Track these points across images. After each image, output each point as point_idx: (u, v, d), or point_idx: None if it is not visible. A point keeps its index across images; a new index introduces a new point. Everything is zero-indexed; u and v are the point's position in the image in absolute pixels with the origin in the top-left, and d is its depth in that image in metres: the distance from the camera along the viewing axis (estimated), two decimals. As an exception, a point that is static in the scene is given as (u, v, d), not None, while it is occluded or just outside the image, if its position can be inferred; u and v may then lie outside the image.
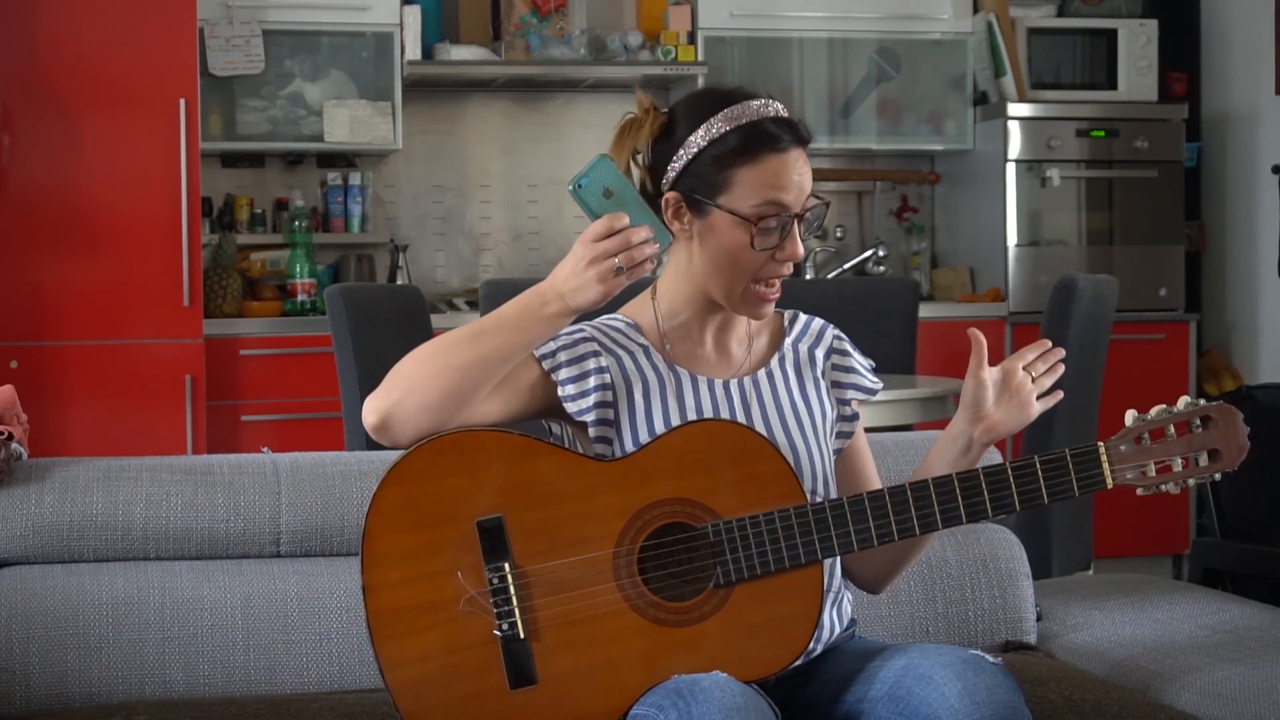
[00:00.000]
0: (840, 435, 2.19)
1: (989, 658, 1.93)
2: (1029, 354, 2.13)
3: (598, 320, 2.13)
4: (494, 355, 1.94)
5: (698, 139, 2.03)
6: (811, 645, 2.06)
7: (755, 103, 2.05)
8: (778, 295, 2.09)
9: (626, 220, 1.91)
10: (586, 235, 1.91)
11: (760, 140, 2.02)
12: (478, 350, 1.94)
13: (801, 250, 2.06)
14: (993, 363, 2.11)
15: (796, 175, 2.04)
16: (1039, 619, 2.66)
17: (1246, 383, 5.89)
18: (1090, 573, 4.18)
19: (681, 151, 2.04)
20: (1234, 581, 3.81)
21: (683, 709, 1.82)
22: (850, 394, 2.19)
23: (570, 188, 1.92)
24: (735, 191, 2.02)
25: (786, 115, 2.06)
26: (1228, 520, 3.87)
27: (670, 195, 2.06)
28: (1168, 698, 2.34)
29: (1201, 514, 5.87)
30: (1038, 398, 2.11)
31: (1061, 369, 2.14)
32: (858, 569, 2.22)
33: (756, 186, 2.02)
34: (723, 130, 2.02)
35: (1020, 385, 2.10)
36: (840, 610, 2.15)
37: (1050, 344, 2.14)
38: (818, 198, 2.08)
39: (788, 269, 2.07)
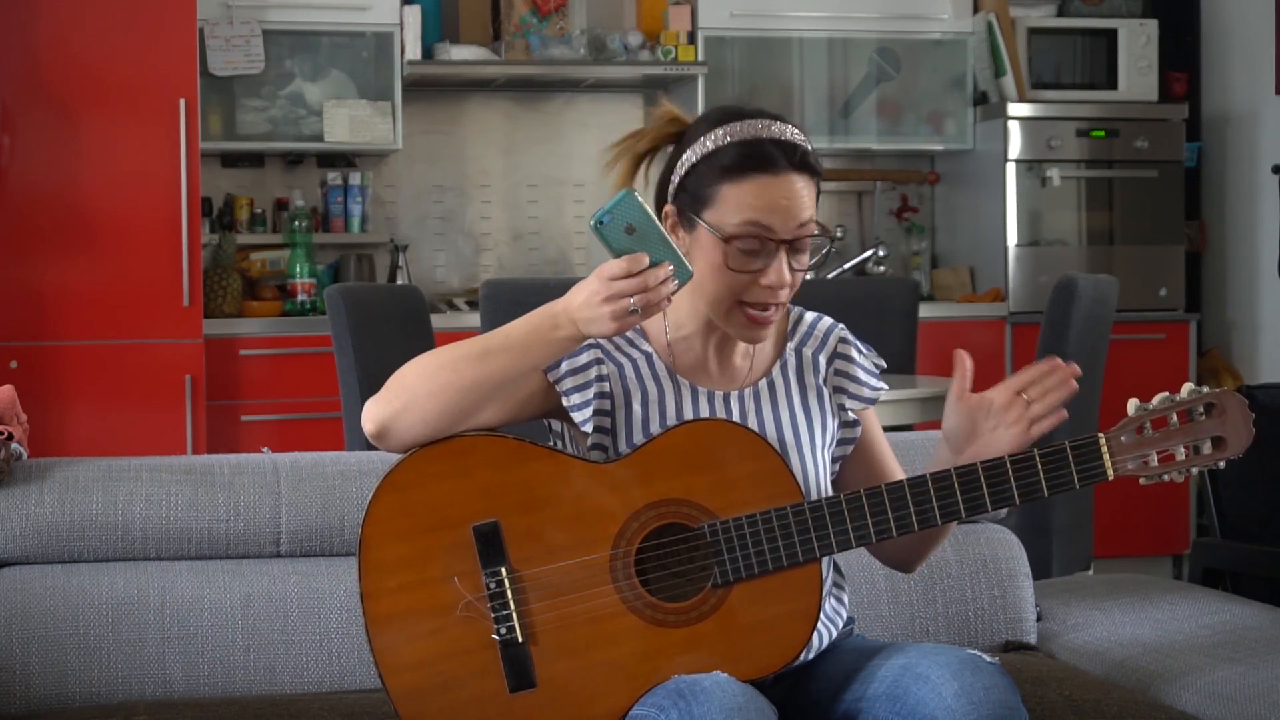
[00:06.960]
0: (842, 443, 2.16)
1: (986, 657, 1.93)
2: (1029, 375, 2.03)
3: None
4: (498, 376, 1.93)
5: (697, 150, 2.01)
6: (810, 644, 2.06)
7: (762, 121, 2.01)
8: (770, 321, 2.02)
9: (646, 261, 1.85)
10: (604, 271, 1.86)
11: (754, 159, 1.98)
12: (483, 370, 1.92)
13: (787, 277, 1.99)
14: (983, 385, 2.03)
15: (786, 200, 1.98)
16: (1039, 619, 2.66)
17: (1246, 383, 5.89)
18: (1090, 573, 4.18)
19: (682, 161, 2.03)
20: (1234, 581, 3.80)
21: (684, 709, 1.82)
22: (849, 403, 2.14)
23: (591, 223, 1.87)
24: (719, 208, 1.99)
25: (796, 142, 2.00)
26: (1228, 520, 3.86)
27: (668, 208, 2.04)
28: (1168, 698, 2.34)
29: (1201, 514, 5.87)
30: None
31: (1074, 386, 2.02)
32: (882, 553, 2.20)
33: (739, 205, 1.97)
34: (719, 144, 1.99)
35: (1011, 409, 2.01)
36: (835, 605, 2.14)
37: (1059, 361, 2.03)
38: (826, 232, 2.03)
39: (781, 295, 2.01)
